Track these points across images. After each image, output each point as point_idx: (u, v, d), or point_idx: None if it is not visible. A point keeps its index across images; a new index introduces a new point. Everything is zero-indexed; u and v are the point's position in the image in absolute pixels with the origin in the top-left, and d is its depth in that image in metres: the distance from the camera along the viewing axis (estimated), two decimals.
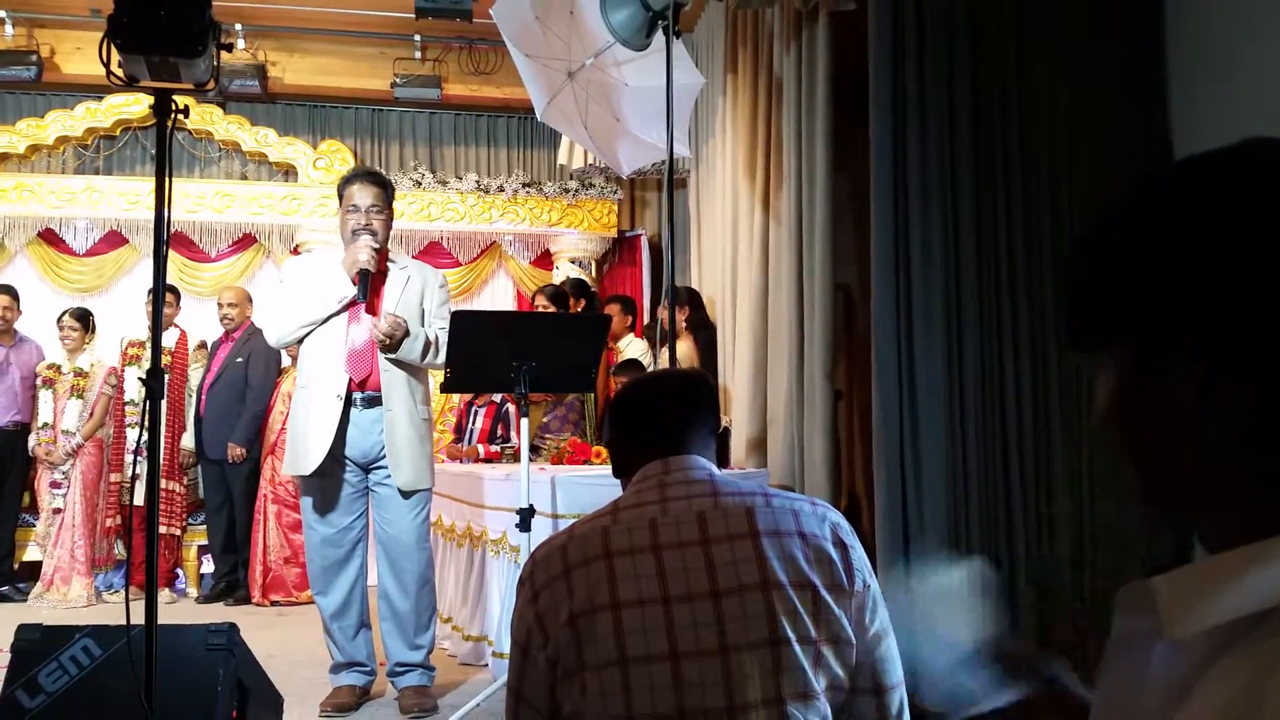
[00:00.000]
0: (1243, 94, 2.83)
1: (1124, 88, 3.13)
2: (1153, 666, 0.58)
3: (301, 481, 3.43)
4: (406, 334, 3.30)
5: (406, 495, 3.36)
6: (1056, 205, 3.07)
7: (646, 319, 6.08)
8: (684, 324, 4.79)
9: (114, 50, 1.97)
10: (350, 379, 3.31)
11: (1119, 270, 0.62)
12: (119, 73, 1.99)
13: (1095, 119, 3.11)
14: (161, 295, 2.02)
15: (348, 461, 3.35)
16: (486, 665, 3.87)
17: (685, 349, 4.72)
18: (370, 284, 3.29)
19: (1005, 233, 3.04)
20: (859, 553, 1.34)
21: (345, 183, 3.42)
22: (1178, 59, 3.12)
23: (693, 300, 5.07)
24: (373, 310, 3.35)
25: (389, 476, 3.34)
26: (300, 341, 3.38)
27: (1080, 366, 3.01)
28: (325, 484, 3.36)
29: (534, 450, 4.74)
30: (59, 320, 5.75)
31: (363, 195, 3.34)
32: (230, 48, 2.10)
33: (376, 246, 3.30)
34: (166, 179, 2.00)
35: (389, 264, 3.46)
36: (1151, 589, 0.56)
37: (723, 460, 1.29)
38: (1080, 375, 3.01)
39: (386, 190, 3.42)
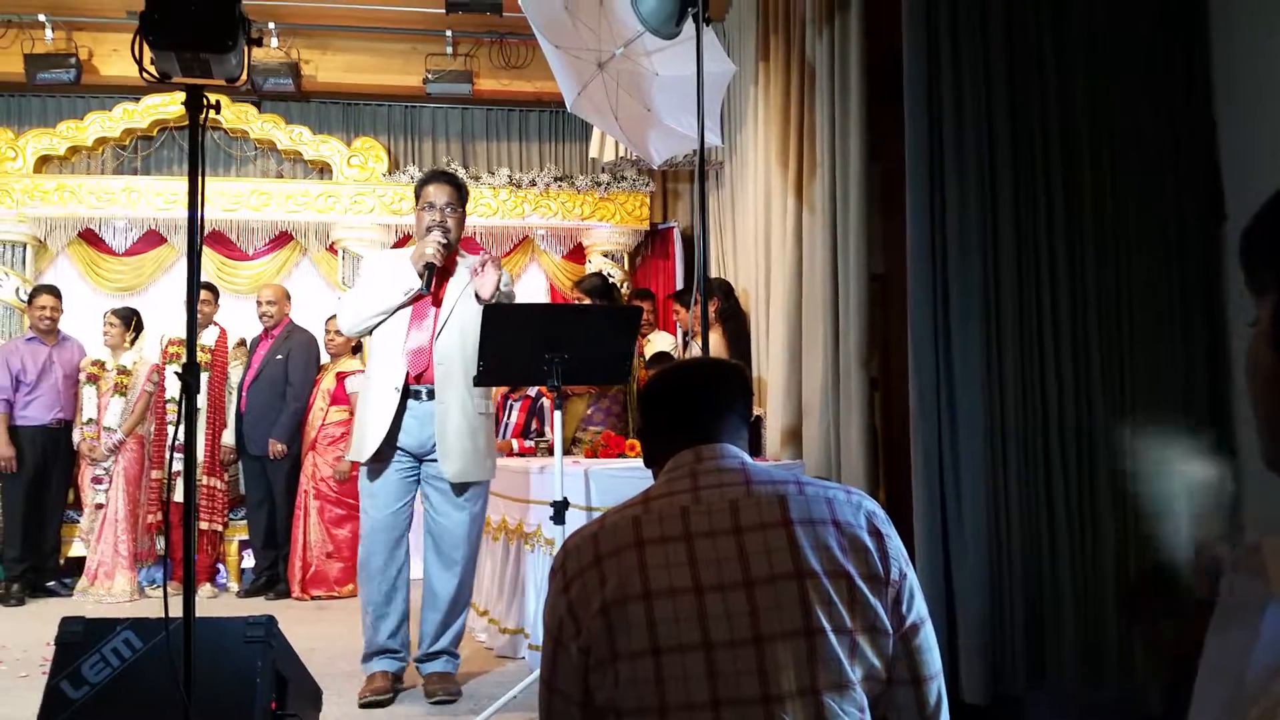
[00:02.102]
0: None
1: (1165, 70, 3.06)
2: (1264, 628, 0.57)
3: (360, 468, 3.53)
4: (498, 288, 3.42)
5: (456, 488, 3.43)
6: (1098, 190, 3.00)
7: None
8: (713, 314, 4.76)
9: (146, 47, 1.98)
10: (408, 372, 3.42)
11: None
12: (151, 69, 2.01)
13: (1136, 102, 3.03)
14: (196, 287, 2.03)
15: (401, 451, 3.45)
16: (523, 658, 3.88)
17: (714, 340, 4.69)
18: (434, 277, 3.42)
19: (1045, 218, 2.97)
20: (895, 541, 1.32)
21: (423, 182, 3.59)
22: (1221, 39, 3.04)
23: (723, 290, 5.05)
24: (436, 301, 3.48)
25: (440, 469, 3.42)
26: (370, 331, 3.52)
27: (1124, 352, 2.95)
28: (381, 470, 3.46)
29: (576, 442, 4.74)
30: (105, 317, 5.86)
31: (438, 194, 3.51)
32: (260, 42, 2.11)
33: (444, 242, 3.43)
34: (200, 172, 2.01)
35: (458, 260, 3.58)
36: (1260, 549, 0.55)
37: (755, 449, 1.27)
38: (1123, 363, 2.95)
39: (460, 191, 3.59)
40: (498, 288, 3.40)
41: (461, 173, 6.93)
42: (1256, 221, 0.71)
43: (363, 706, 3.29)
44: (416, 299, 3.45)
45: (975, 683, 2.74)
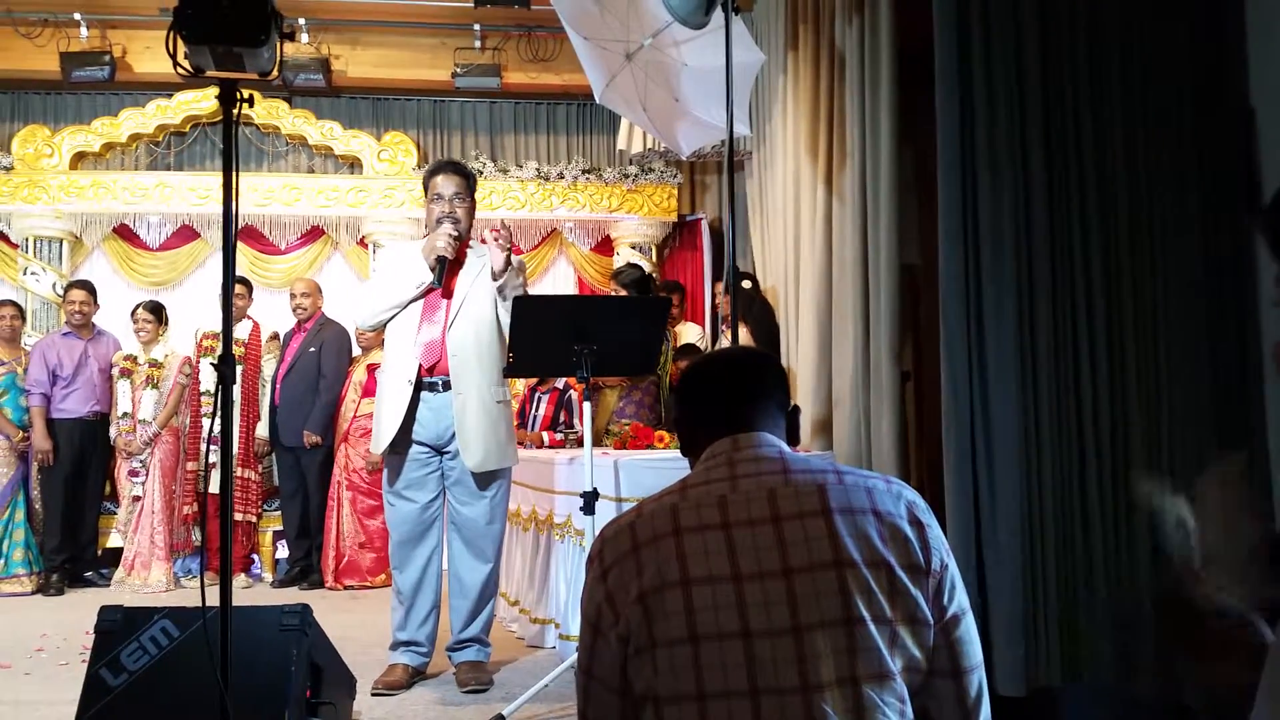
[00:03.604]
0: None
1: (1201, 55, 3.00)
2: None
3: (384, 467, 3.56)
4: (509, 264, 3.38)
5: (478, 477, 3.44)
6: (1132, 177, 2.96)
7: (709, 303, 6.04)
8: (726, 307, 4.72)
9: (180, 42, 2.00)
10: (420, 365, 3.42)
11: None
12: (185, 64, 2.03)
13: (1171, 87, 2.98)
14: (231, 278, 2.05)
15: (420, 444, 3.45)
16: (553, 647, 3.90)
17: (743, 335, 4.67)
18: (446, 271, 3.41)
19: (1079, 208, 2.93)
20: (936, 531, 1.31)
21: (430, 174, 3.58)
22: (1257, 22, 2.98)
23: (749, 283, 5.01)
24: (447, 293, 3.46)
25: (460, 459, 3.42)
26: (384, 325, 3.51)
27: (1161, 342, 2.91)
28: (401, 463, 3.47)
29: (607, 434, 4.74)
30: (133, 313, 5.92)
31: (446, 184, 3.51)
32: (292, 36, 2.13)
33: (456, 234, 3.43)
34: (233, 165, 2.03)
35: (469, 250, 3.57)
36: None
37: (795, 439, 1.26)
38: (1158, 353, 2.91)
39: (469, 180, 3.59)
40: (508, 263, 3.36)
41: (490, 166, 6.97)
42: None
43: (374, 695, 3.30)
44: (429, 292, 3.45)
45: (1009, 675, 2.72)
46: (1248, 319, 2.93)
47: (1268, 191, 2.93)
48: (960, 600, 1.30)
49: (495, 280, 3.39)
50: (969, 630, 1.30)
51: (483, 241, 3.39)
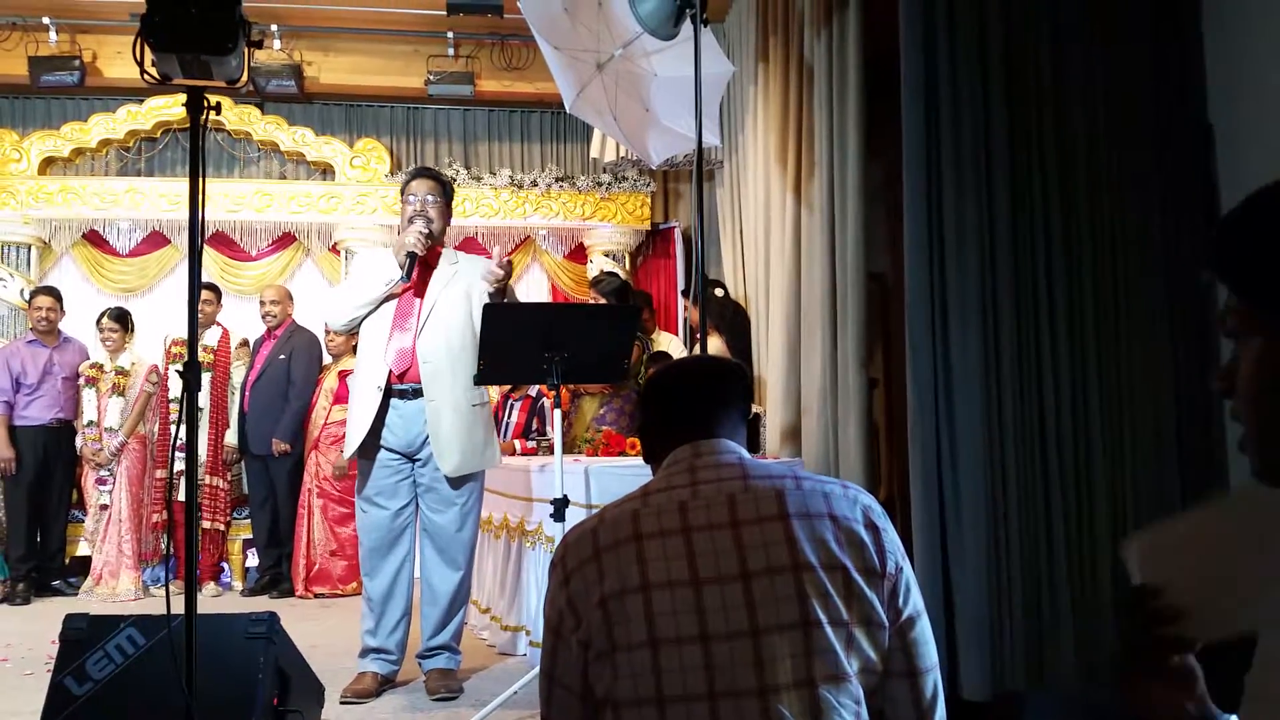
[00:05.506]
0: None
1: (1160, 69, 3.07)
2: None
3: (353, 465, 3.57)
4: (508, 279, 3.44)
5: (453, 481, 3.45)
6: (1094, 189, 3.01)
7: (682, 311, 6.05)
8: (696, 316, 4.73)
9: (147, 49, 2.00)
10: (390, 371, 3.42)
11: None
12: (152, 71, 2.03)
13: (1131, 102, 3.04)
14: (197, 285, 2.05)
15: (390, 451, 3.46)
16: (524, 654, 3.90)
17: (716, 344, 4.69)
18: (415, 267, 3.41)
19: (1042, 218, 2.98)
20: (891, 535, 1.33)
21: (406, 180, 3.65)
22: (1214, 39, 3.05)
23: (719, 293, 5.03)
24: (419, 293, 3.48)
25: (434, 465, 3.42)
26: (357, 326, 3.53)
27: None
28: (370, 468, 3.48)
29: (585, 441, 4.74)
30: (98, 322, 5.83)
31: (419, 187, 3.57)
32: (261, 44, 2.13)
33: (426, 231, 3.45)
34: (200, 172, 2.03)
35: (441, 254, 3.60)
36: None
37: (754, 446, 1.28)
38: (1120, 362, 2.96)
39: (443, 186, 3.64)
40: (503, 293, 3.40)
41: (463, 174, 6.97)
42: (1237, 225, 0.66)
43: (343, 703, 3.29)
44: (402, 292, 3.46)
45: (975, 680, 2.75)
46: (1209, 324, 2.99)
47: (1224, 203, 3.00)
48: (915, 602, 1.32)
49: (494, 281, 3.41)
50: (924, 632, 1.33)
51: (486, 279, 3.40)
